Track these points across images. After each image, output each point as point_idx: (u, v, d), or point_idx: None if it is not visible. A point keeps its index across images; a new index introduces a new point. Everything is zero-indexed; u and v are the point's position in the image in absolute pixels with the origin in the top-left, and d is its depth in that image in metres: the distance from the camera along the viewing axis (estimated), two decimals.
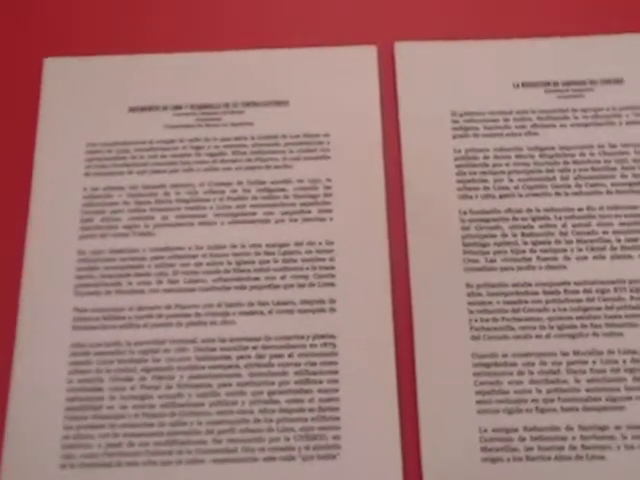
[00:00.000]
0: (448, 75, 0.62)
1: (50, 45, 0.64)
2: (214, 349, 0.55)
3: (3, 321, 0.56)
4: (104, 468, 0.53)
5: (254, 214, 0.59)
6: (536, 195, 0.59)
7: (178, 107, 0.62)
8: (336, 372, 0.54)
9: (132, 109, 0.62)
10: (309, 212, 0.59)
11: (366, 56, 0.63)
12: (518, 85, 0.62)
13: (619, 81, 0.61)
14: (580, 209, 0.58)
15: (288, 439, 0.53)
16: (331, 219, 0.58)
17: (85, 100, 0.62)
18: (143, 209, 0.59)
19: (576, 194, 0.58)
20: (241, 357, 0.55)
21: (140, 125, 0.61)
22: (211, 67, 0.63)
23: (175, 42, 0.64)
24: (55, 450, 0.53)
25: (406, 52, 0.63)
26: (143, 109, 0.62)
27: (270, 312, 0.56)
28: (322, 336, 0.55)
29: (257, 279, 0.57)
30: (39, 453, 0.53)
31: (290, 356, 0.55)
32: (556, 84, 0.62)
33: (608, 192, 0.58)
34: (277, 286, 0.57)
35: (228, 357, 0.55)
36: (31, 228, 0.59)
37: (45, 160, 0.61)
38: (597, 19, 0.64)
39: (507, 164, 0.59)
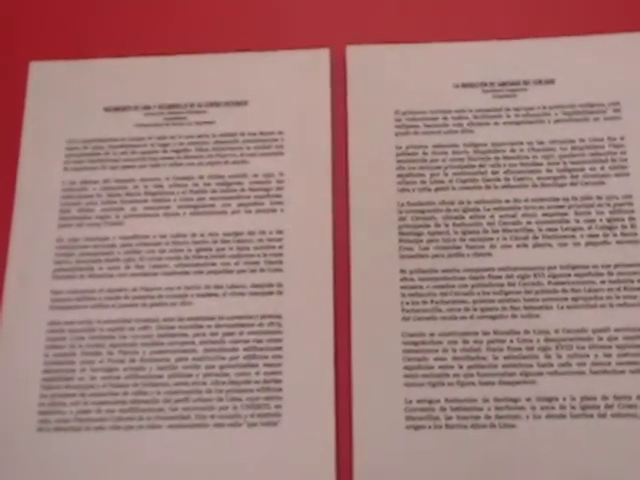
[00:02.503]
0: (394, 76, 0.68)
1: (35, 49, 0.71)
2: (173, 327, 0.62)
3: None
4: (75, 432, 0.60)
5: (213, 206, 0.65)
6: (468, 188, 0.64)
7: (147, 107, 0.68)
8: (280, 349, 0.61)
9: (107, 109, 0.68)
10: (262, 204, 0.65)
11: (319, 59, 0.69)
12: (458, 85, 0.67)
13: (550, 81, 0.67)
14: (507, 201, 0.64)
15: (236, 407, 0.60)
16: (282, 210, 0.65)
17: (66, 101, 0.69)
18: (114, 201, 0.66)
19: (505, 187, 0.64)
20: (197, 335, 0.62)
21: (113, 124, 0.68)
22: (178, 69, 0.69)
23: (147, 46, 0.70)
24: (32, 416, 0.61)
25: (357, 55, 0.69)
26: (117, 109, 0.68)
27: (224, 294, 0.63)
28: (269, 316, 0.62)
29: (214, 265, 0.63)
30: (18, 418, 0.60)
31: (240, 334, 0.62)
32: (492, 84, 0.67)
33: (534, 185, 0.64)
34: (231, 271, 0.63)
35: (185, 334, 0.62)
36: (15, 218, 0.66)
37: (29, 156, 0.67)
38: (531, 23, 0.69)
39: (444, 160, 0.65)
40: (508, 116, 0.66)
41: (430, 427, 0.59)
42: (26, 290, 0.64)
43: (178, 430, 0.60)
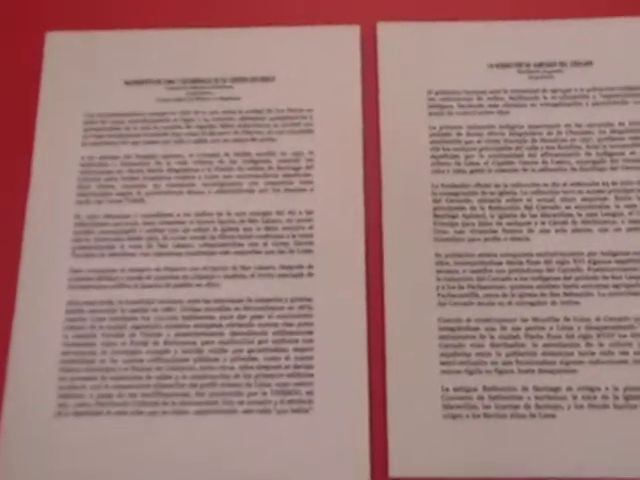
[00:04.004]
0: (427, 55, 0.66)
1: (52, 19, 0.68)
2: (199, 309, 0.60)
3: (4, 280, 0.61)
4: (95, 416, 0.57)
5: (240, 184, 0.63)
6: (504, 171, 0.62)
7: (170, 81, 0.65)
8: (311, 332, 0.59)
9: (127, 82, 0.66)
10: (291, 183, 0.62)
11: (349, 36, 0.66)
12: (492, 65, 0.65)
13: (588, 63, 0.65)
14: (545, 185, 0.62)
15: (265, 393, 0.57)
16: (311, 190, 0.62)
17: (84, 73, 0.66)
18: (136, 177, 0.63)
19: (542, 170, 0.62)
20: (224, 317, 0.59)
21: (134, 98, 0.65)
22: (203, 43, 0.66)
23: (170, 19, 0.68)
24: (51, 399, 0.58)
25: (388, 32, 0.66)
26: (138, 82, 0.66)
27: (252, 276, 0.60)
28: (300, 299, 0.59)
29: (241, 245, 0.61)
30: (36, 402, 0.58)
31: (269, 317, 0.59)
32: (528, 65, 0.65)
33: (572, 169, 0.62)
34: (259, 252, 0.61)
35: (212, 317, 0.59)
36: (32, 194, 0.63)
37: (46, 130, 0.64)
38: (570, 3, 0.67)
39: (479, 141, 0.63)
40: (545, 98, 0.64)
41: (468, 416, 0.57)
42: (43, 268, 0.61)
43: (205, 416, 0.57)
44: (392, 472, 0.56)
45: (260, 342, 0.59)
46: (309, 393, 0.57)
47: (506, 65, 0.65)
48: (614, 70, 0.65)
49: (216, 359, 0.58)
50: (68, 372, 0.58)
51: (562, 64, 0.65)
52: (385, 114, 0.64)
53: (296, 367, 0.58)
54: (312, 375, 0.58)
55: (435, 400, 0.57)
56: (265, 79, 0.65)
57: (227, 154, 0.63)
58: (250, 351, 0.58)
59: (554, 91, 0.64)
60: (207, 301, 0.60)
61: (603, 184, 0.62)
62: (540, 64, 0.65)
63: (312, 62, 0.66)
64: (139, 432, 0.57)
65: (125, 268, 0.61)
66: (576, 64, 0.65)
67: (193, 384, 0.58)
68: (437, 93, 0.64)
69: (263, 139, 0.64)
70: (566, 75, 0.65)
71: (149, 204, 0.62)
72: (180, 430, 0.57)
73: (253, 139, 0.64)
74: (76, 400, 0.58)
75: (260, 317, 0.59)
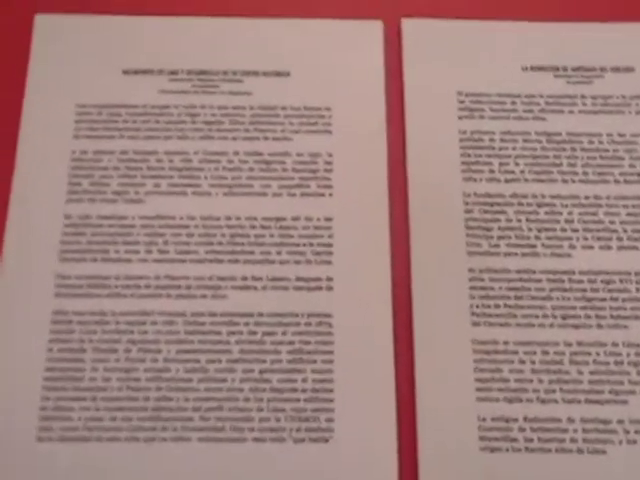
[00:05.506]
0: (455, 54, 0.60)
1: (42, 1, 0.62)
2: (204, 323, 0.53)
3: None
4: (84, 442, 0.50)
5: (251, 186, 0.56)
6: (542, 181, 0.57)
7: (174, 72, 0.59)
8: (331, 352, 0.52)
9: (126, 71, 0.59)
10: (308, 187, 0.56)
11: (371, 31, 0.61)
12: (527, 68, 0.60)
13: (630, 69, 0.60)
14: (587, 197, 0.56)
15: (279, 419, 0.51)
16: (330, 195, 0.56)
17: (77, 60, 0.60)
18: (134, 175, 0.56)
19: (583, 182, 0.57)
20: (232, 333, 0.53)
21: (134, 88, 0.59)
22: (211, 33, 0.60)
23: (174, 5, 0.62)
24: (32, 422, 0.50)
25: (413, 29, 0.61)
26: (137, 72, 0.59)
27: (264, 288, 0.54)
28: (318, 315, 0.53)
29: (252, 253, 0.54)
30: (16, 424, 0.50)
31: (284, 334, 0.53)
32: (565, 69, 0.60)
33: (616, 181, 0.57)
34: (272, 261, 0.54)
35: (218, 332, 0.53)
36: (16, 189, 0.56)
37: (33, 120, 0.58)
38: (610, 6, 0.62)
39: (514, 148, 0.58)
40: (584, 104, 0.59)
41: (507, 450, 0.50)
42: (27, 273, 0.53)
43: (210, 444, 0.50)
44: None
45: (273, 362, 0.52)
46: (329, 420, 0.51)
47: (541, 68, 0.60)
48: None
49: (223, 380, 0.51)
50: (53, 391, 0.51)
51: (602, 69, 0.60)
52: (410, 115, 0.58)
53: (314, 391, 0.51)
54: (332, 400, 0.51)
55: (471, 431, 0.51)
56: (279, 74, 0.59)
57: (237, 153, 0.57)
58: (262, 372, 0.52)
59: (594, 97, 0.59)
60: (213, 314, 0.53)
61: None
62: (578, 68, 0.60)
63: (330, 57, 0.60)
64: (134, 461, 0.50)
65: (120, 275, 0.54)
66: (616, 70, 0.60)
67: (196, 407, 0.51)
68: (467, 95, 0.59)
69: (277, 138, 0.57)
70: (606, 81, 0.60)
71: (148, 205, 0.56)
72: (181, 459, 0.50)
73: (265, 138, 0.57)
74: (62, 423, 0.50)
75: (273, 334, 0.53)
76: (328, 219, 0.55)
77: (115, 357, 0.52)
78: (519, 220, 0.56)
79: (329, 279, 0.54)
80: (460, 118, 0.58)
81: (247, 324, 0.53)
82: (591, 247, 0.55)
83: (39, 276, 0.54)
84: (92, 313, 0.53)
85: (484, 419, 0.51)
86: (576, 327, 0.53)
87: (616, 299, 0.54)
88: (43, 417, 0.50)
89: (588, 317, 0.53)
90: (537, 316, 0.53)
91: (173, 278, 0.54)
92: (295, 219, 0.55)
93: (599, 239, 0.55)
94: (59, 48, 0.60)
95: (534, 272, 0.54)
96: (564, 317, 0.53)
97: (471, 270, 0.54)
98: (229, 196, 0.56)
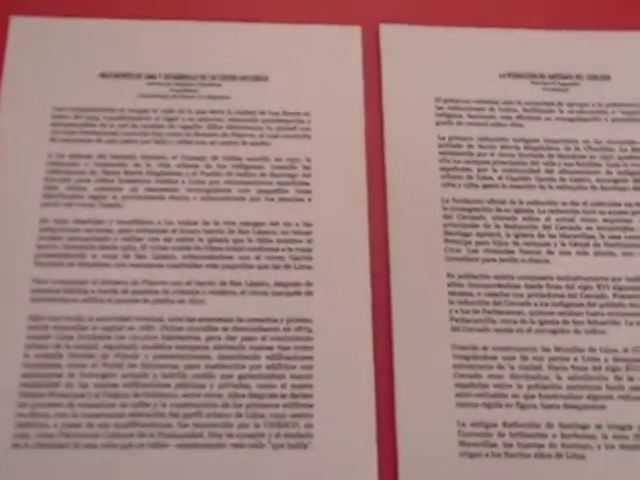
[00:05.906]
0: (434, 60, 0.60)
1: (18, 1, 0.61)
2: (182, 328, 0.52)
3: None
4: (60, 449, 0.49)
5: (229, 191, 0.56)
6: (520, 187, 0.57)
7: (152, 76, 0.59)
8: (311, 358, 0.52)
9: (103, 75, 0.59)
10: (286, 192, 0.56)
11: (350, 36, 0.61)
12: (504, 75, 0.60)
13: (606, 77, 0.60)
14: (564, 203, 0.57)
15: (258, 425, 0.50)
16: (309, 200, 0.56)
17: (53, 62, 0.59)
18: (111, 179, 0.56)
19: (560, 188, 0.57)
20: (210, 338, 0.52)
21: (111, 92, 0.58)
22: (189, 37, 0.60)
23: (152, 8, 0.61)
24: (8, 428, 0.50)
25: (391, 35, 0.61)
26: (116, 76, 0.59)
27: (243, 293, 0.53)
28: (297, 320, 0.53)
29: (230, 258, 0.54)
30: None
31: (263, 339, 0.52)
32: (542, 76, 0.60)
33: (593, 188, 0.57)
34: (251, 266, 0.54)
35: (197, 338, 0.52)
36: None
37: (8, 122, 0.57)
38: (587, 14, 0.62)
39: (492, 154, 0.58)
40: (561, 111, 0.59)
41: (487, 455, 0.50)
42: (2, 277, 0.53)
43: (188, 450, 0.50)
44: None
45: (252, 367, 0.52)
46: (308, 426, 0.50)
47: (519, 75, 0.60)
48: (633, 86, 0.60)
49: (202, 385, 0.51)
50: (29, 397, 0.50)
51: (578, 77, 0.60)
52: (389, 121, 0.58)
53: (293, 396, 0.51)
54: (311, 406, 0.51)
55: (450, 436, 0.51)
56: (257, 78, 0.59)
57: (215, 157, 0.57)
58: (241, 377, 0.51)
59: (570, 105, 0.59)
60: (191, 319, 0.53)
61: (626, 204, 0.57)
62: (555, 76, 0.60)
63: (309, 62, 0.60)
64: (111, 468, 0.49)
65: (97, 280, 0.53)
66: (593, 77, 0.60)
67: (174, 413, 0.50)
68: (445, 101, 0.59)
69: (255, 143, 0.57)
70: (583, 88, 0.60)
71: (126, 209, 0.55)
72: (159, 466, 0.49)
73: (244, 142, 0.57)
74: (38, 430, 0.50)
75: (252, 339, 0.52)
76: (307, 224, 0.55)
77: (92, 363, 0.51)
78: (497, 226, 0.56)
79: (308, 284, 0.54)
80: (438, 124, 0.59)
81: (226, 329, 0.52)
82: (568, 253, 0.55)
83: (15, 281, 0.53)
84: (69, 318, 0.52)
85: (463, 424, 0.51)
86: (554, 332, 0.53)
87: (593, 304, 0.54)
88: (19, 424, 0.50)
89: (566, 322, 0.53)
90: (516, 321, 0.53)
91: (151, 283, 0.53)
92: (274, 224, 0.55)
93: (576, 245, 0.56)
94: (35, 50, 0.59)
95: (512, 278, 0.55)
96: (542, 322, 0.53)
97: (450, 275, 0.54)
98: (207, 201, 0.56)
